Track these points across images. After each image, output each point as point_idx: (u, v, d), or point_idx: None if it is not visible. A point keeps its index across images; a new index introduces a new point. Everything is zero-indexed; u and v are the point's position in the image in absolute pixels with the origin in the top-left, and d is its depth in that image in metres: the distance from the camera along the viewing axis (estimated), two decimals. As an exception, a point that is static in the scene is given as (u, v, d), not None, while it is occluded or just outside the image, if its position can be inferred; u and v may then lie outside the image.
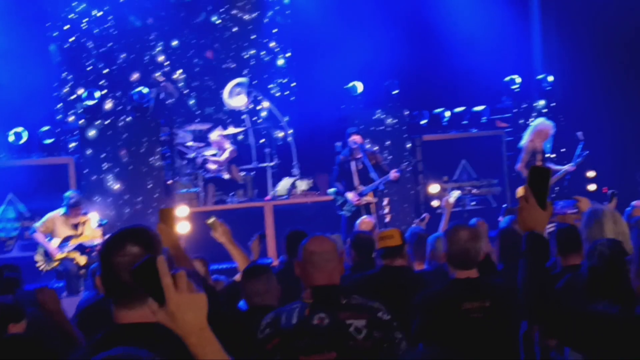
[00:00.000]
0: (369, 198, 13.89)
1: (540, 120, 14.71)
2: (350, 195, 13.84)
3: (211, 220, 6.73)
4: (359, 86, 16.58)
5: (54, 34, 17.12)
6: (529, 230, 3.68)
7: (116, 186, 14.62)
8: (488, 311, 5.49)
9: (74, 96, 16.80)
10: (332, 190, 14.41)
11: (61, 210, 13.10)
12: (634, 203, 9.52)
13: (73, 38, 17.25)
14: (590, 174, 15.35)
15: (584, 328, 3.63)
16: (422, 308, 5.64)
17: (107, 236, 3.42)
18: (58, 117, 16.55)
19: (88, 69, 17.30)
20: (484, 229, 8.96)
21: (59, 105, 16.95)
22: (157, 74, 16.94)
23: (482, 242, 5.69)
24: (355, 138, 13.92)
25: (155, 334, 3.15)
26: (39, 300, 5.38)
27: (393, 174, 13.63)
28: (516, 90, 17.55)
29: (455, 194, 11.66)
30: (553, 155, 14.80)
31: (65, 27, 17.15)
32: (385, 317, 4.88)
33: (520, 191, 12.55)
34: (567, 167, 14.48)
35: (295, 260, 5.07)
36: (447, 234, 5.72)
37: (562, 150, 16.63)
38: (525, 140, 14.49)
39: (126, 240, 3.24)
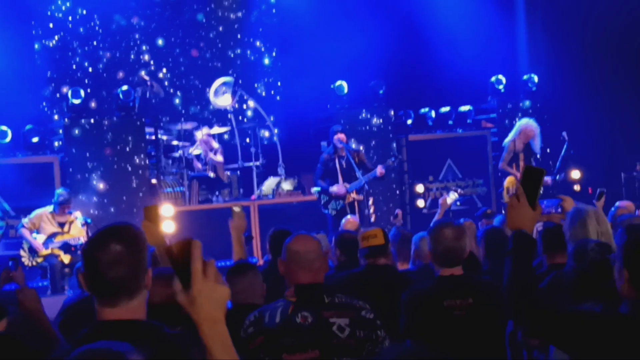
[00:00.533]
0: (355, 195, 13.88)
1: (526, 120, 14.75)
2: (335, 188, 13.79)
3: (237, 209, 6.70)
4: (345, 86, 16.59)
5: (39, 33, 17.07)
6: (517, 229, 3.68)
7: (101, 185, 14.59)
8: (471, 309, 5.50)
9: (59, 95, 16.74)
10: (315, 189, 14.38)
11: (50, 208, 13.15)
12: (618, 203, 9.56)
13: (58, 37, 17.19)
14: (576, 174, 15.37)
15: (567, 327, 3.64)
16: (407, 305, 5.66)
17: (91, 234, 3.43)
18: (43, 116, 16.46)
19: (73, 67, 17.25)
20: (472, 229, 8.98)
21: (43, 104, 16.89)
22: (142, 73, 16.89)
23: (467, 240, 5.70)
24: (340, 136, 13.91)
25: (138, 331, 3.15)
26: (19, 299, 5.34)
27: (379, 169, 13.63)
28: (501, 90, 17.55)
29: (454, 195, 11.70)
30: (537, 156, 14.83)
31: (50, 26, 17.09)
32: (369, 315, 4.88)
33: (509, 181, 12.53)
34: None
35: (279, 259, 5.06)
36: (431, 233, 5.73)
37: (547, 150, 16.68)
38: (508, 138, 14.56)
39: (110, 238, 3.23)
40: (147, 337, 3.13)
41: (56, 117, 15.95)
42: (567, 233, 5.95)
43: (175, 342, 3.18)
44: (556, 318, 3.68)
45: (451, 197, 11.29)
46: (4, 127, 14.70)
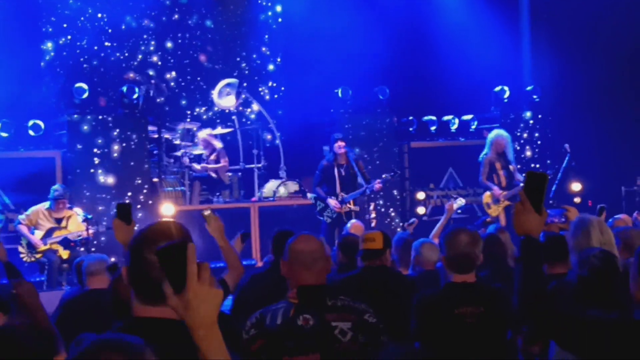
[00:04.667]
0: (351, 206, 13.84)
1: (495, 132, 14.83)
2: (332, 202, 13.78)
3: (207, 212, 6.66)
4: (348, 91, 16.66)
5: (49, 30, 17.06)
6: (524, 234, 3.71)
7: (103, 180, 14.57)
8: (482, 317, 5.46)
9: (66, 91, 16.68)
10: (312, 195, 14.36)
11: (46, 204, 13.14)
12: (616, 216, 9.58)
13: (67, 34, 17.16)
14: (576, 186, 15.41)
15: (582, 331, 3.68)
16: (417, 309, 5.62)
17: (138, 228, 3.38)
18: (49, 111, 16.40)
19: (82, 65, 17.23)
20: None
21: (50, 100, 16.83)
22: (148, 72, 16.90)
23: (481, 246, 5.65)
24: (341, 144, 13.89)
25: (173, 330, 3.12)
26: (16, 293, 5.28)
27: (377, 184, 13.62)
28: (505, 100, 17.59)
29: (461, 201, 11.74)
30: (514, 167, 14.80)
31: (60, 23, 17.08)
32: (372, 320, 4.82)
33: (486, 197, 12.58)
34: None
35: (282, 259, 5.00)
36: (446, 238, 5.65)
37: (548, 161, 16.70)
38: (483, 153, 14.63)
39: (159, 237, 3.18)
40: (180, 337, 3.12)
41: (63, 113, 15.78)
42: (570, 242, 5.95)
43: None
44: (570, 323, 3.72)
45: (458, 203, 11.31)
46: (6, 120, 14.74)
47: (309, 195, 14.73)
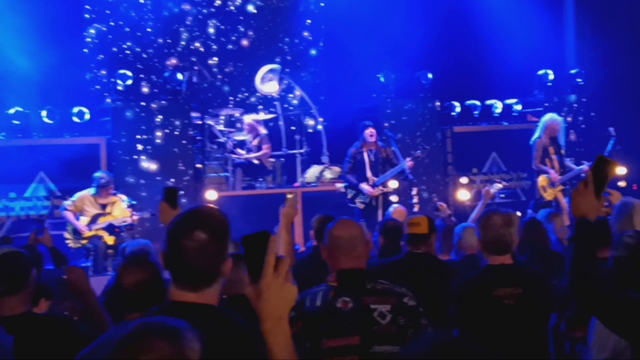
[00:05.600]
0: (384, 188, 13.78)
1: (549, 116, 14.66)
2: (365, 187, 13.75)
3: (291, 196, 6.70)
4: (391, 76, 16.62)
5: (92, 17, 17.12)
6: (581, 216, 3.71)
7: (147, 167, 14.67)
8: (520, 298, 5.45)
9: (109, 78, 16.78)
10: (341, 185, 14.34)
11: (91, 190, 13.22)
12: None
13: (110, 21, 17.22)
14: (621, 170, 15.25)
15: (630, 312, 3.68)
16: (456, 294, 5.62)
17: (178, 214, 3.39)
18: (93, 98, 16.52)
19: (125, 52, 17.31)
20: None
21: (95, 87, 16.93)
22: (191, 58, 16.94)
23: (516, 228, 5.63)
24: (370, 131, 13.85)
25: (209, 316, 3.14)
26: (68, 279, 5.33)
27: (408, 162, 13.57)
28: (549, 84, 17.46)
29: (498, 186, 11.67)
30: (564, 151, 14.67)
31: (103, 10, 17.16)
32: (411, 302, 4.81)
33: (542, 179, 12.55)
34: (583, 167, 14.29)
35: (322, 244, 5.02)
36: (480, 221, 5.66)
37: (592, 145, 16.56)
38: (535, 136, 14.46)
39: (197, 225, 3.23)
40: (216, 323, 3.14)
41: (108, 100, 15.85)
42: (613, 226, 5.91)
43: (244, 333, 3.17)
44: (618, 303, 3.71)
45: (495, 188, 11.25)
46: (51, 107, 14.86)
47: (337, 185, 14.68)
